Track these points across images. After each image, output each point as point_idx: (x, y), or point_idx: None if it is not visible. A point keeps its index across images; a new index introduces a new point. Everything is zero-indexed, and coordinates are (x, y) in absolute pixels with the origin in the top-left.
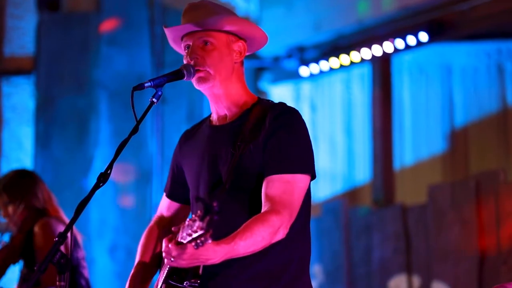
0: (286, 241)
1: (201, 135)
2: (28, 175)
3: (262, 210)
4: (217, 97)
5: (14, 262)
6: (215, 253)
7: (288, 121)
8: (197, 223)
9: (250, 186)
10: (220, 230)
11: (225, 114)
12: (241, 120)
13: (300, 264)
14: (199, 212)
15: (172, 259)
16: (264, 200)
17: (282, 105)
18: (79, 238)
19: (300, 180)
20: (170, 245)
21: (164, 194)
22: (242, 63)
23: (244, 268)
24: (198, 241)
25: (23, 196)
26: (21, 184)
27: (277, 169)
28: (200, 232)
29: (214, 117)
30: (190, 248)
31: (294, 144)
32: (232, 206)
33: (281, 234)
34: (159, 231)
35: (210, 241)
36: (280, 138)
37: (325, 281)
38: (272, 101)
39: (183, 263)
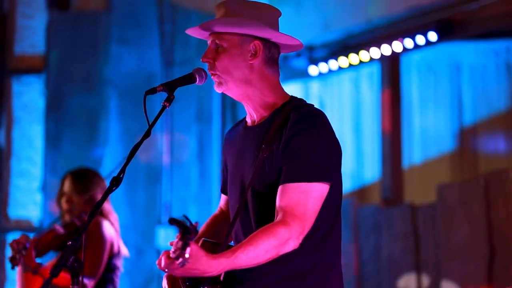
0: (309, 248)
1: (238, 135)
2: (98, 175)
3: (274, 220)
4: (241, 99)
5: (56, 249)
6: (211, 266)
7: (308, 127)
8: (178, 242)
9: (270, 191)
10: (239, 234)
11: (254, 115)
12: (269, 122)
13: (325, 271)
14: (180, 230)
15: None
16: (277, 209)
17: (306, 108)
18: (123, 252)
19: (316, 189)
20: (162, 257)
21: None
22: (267, 62)
23: (267, 274)
24: (181, 259)
25: (91, 190)
26: (92, 179)
27: (292, 177)
28: (178, 252)
29: (247, 117)
30: (176, 264)
31: (311, 151)
32: (253, 210)
33: (291, 246)
34: (218, 219)
35: (189, 262)
36: (297, 145)
37: None
38: (302, 101)
39: (177, 276)
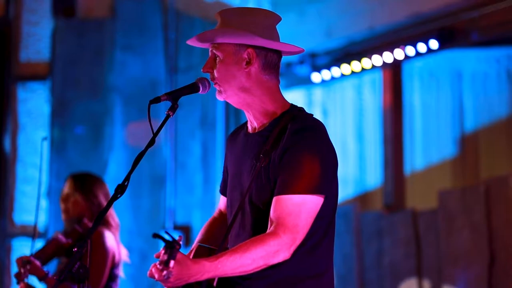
0: (301, 255)
1: (239, 141)
2: (95, 178)
3: (267, 230)
4: (241, 107)
5: (59, 256)
6: (192, 269)
7: (304, 139)
8: (163, 256)
9: (266, 201)
10: (234, 242)
11: (255, 123)
12: (267, 131)
13: (316, 278)
14: (165, 245)
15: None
16: (270, 220)
17: (304, 119)
18: (123, 257)
19: (309, 201)
20: (153, 268)
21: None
22: (264, 68)
23: (258, 279)
24: (165, 272)
25: (89, 195)
26: (93, 184)
27: (286, 189)
28: (162, 266)
29: (248, 123)
30: (162, 276)
31: (306, 164)
32: (249, 219)
33: (280, 257)
34: (217, 222)
35: (172, 274)
36: (292, 157)
37: (336, 285)
38: (301, 111)
39: (169, 285)
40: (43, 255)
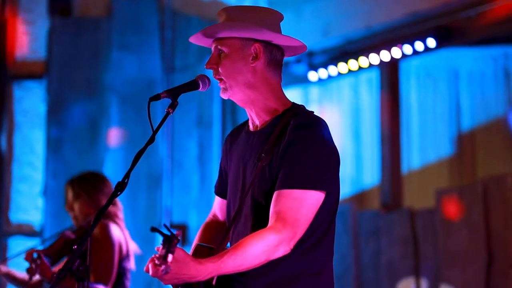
0: (300, 253)
1: (240, 140)
2: (100, 177)
3: (268, 225)
4: (243, 104)
5: (68, 254)
6: (198, 271)
7: (305, 135)
8: (162, 251)
9: (268, 198)
10: (235, 240)
11: (257, 121)
12: (269, 129)
13: (314, 277)
14: (163, 239)
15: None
16: (270, 214)
17: (305, 116)
18: (132, 249)
19: (310, 196)
20: (150, 264)
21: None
22: (269, 64)
23: (256, 277)
24: (163, 266)
25: (90, 195)
26: (91, 183)
27: (287, 183)
28: (161, 261)
29: (249, 121)
30: (160, 271)
31: (307, 159)
32: (251, 217)
33: (281, 252)
34: (213, 225)
35: (170, 269)
36: (294, 152)
37: None
38: (302, 109)
39: (166, 282)
40: (51, 253)
